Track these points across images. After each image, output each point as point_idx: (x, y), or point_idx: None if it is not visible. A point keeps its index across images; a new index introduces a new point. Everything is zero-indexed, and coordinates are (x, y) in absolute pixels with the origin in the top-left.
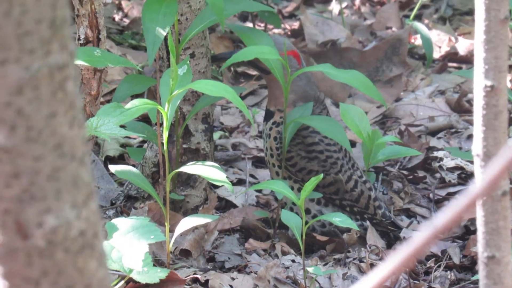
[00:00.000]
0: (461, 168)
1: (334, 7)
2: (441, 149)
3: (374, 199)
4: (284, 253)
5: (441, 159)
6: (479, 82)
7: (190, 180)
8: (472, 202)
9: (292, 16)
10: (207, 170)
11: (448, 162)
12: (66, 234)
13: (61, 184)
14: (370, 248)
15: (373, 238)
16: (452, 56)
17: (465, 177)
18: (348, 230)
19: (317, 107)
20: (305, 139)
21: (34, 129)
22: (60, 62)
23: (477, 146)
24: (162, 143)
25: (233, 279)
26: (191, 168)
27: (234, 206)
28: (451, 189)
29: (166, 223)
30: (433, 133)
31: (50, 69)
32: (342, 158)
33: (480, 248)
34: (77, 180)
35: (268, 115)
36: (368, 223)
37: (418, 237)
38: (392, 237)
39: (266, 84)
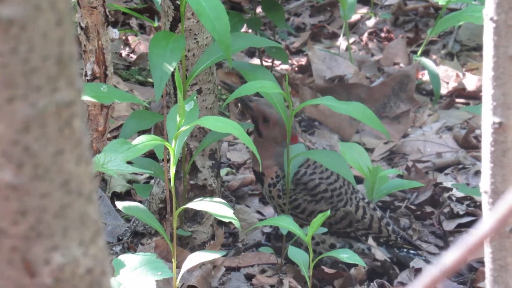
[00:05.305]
0: (471, 198)
1: (342, 43)
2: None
3: (381, 218)
4: None
5: (451, 189)
6: (487, 119)
7: (197, 216)
8: (481, 241)
9: (299, 51)
10: (215, 206)
11: (458, 192)
12: (74, 271)
13: (68, 222)
14: (377, 284)
15: (379, 253)
16: (459, 92)
17: (475, 206)
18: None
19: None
20: (307, 185)
21: (41, 167)
22: (67, 99)
23: (485, 183)
24: (169, 179)
25: None
26: (198, 204)
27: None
28: (460, 221)
29: (173, 259)
30: (441, 169)
31: (57, 106)
32: (343, 183)
33: (488, 285)
34: (84, 218)
35: (258, 177)
36: (370, 240)
37: (427, 276)
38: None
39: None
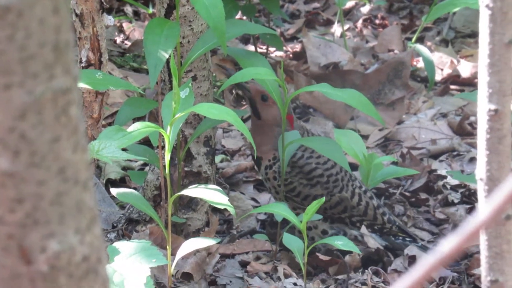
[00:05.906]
0: (465, 186)
1: (336, 30)
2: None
3: (377, 207)
4: (286, 276)
5: (445, 177)
6: (483, 106)
7: (191, 203)
8: (477, 230)
9: (294, 38)
10: (209, 193)
11: (452, 180)
12: (70, 259)
13: (65, 209)
14: (371, 271)
15: (372, 242)
16: (454, 78)
17: (469, 195)
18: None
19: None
20: (303, 168)
21: (37, 154)
22: (64, 86)
23: (480, 170)
24: (164, 166)
25: None
26: (193, 191)
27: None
28: (454, 209)
29: (167, 246)
30: (435, 156)
31: (53, 93)
32: (340, 170)
33: (483, 272)
34: (80, 205)
35: (257, 163)
36: (363, 228)
37: (424, 264)
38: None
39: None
